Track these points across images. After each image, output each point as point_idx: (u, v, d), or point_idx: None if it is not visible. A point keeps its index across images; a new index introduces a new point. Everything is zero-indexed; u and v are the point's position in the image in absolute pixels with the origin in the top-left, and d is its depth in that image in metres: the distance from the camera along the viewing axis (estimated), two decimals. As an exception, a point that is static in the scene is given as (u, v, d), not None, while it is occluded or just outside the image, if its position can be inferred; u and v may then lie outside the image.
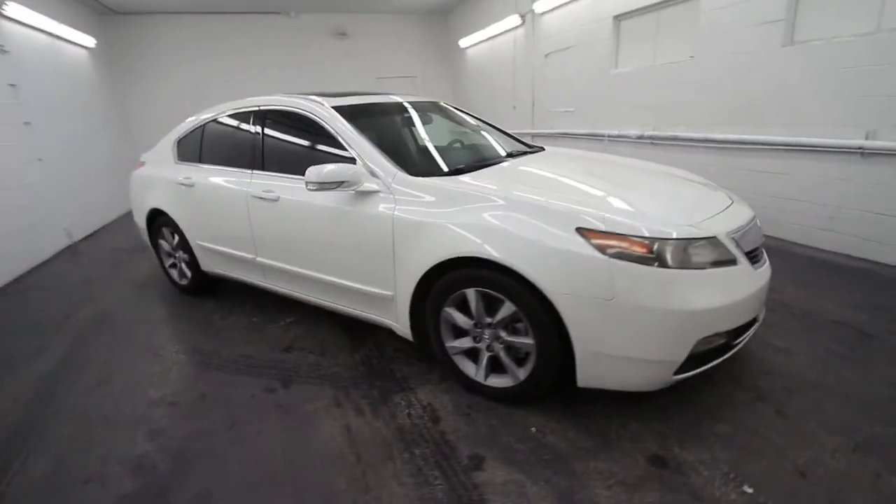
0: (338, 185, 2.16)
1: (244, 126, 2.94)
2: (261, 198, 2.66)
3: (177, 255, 3.55)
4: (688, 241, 1.70)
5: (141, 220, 3.70)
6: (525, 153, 2.80)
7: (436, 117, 3.07)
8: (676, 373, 1.74)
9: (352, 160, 2.32)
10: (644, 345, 1.68)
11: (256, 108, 2.87)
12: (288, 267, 2.68)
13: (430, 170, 2.34)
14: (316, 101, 2.59)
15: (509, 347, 1.96)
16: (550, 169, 2.48)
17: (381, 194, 2.19)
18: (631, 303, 1.64)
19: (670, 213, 1.86)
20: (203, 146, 3.21)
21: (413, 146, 2.76)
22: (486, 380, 2.06)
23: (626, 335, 1.68)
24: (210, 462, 1.84)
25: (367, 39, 9.67)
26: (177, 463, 1.84)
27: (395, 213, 2.12)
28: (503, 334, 1.94)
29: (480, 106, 8.86)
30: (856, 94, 3.32)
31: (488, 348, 2.02)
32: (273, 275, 2.85)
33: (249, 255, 2.89)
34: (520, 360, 1.96)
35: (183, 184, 3.18)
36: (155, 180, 3.50)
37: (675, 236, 1.68)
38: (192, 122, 3.36)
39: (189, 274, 3.49)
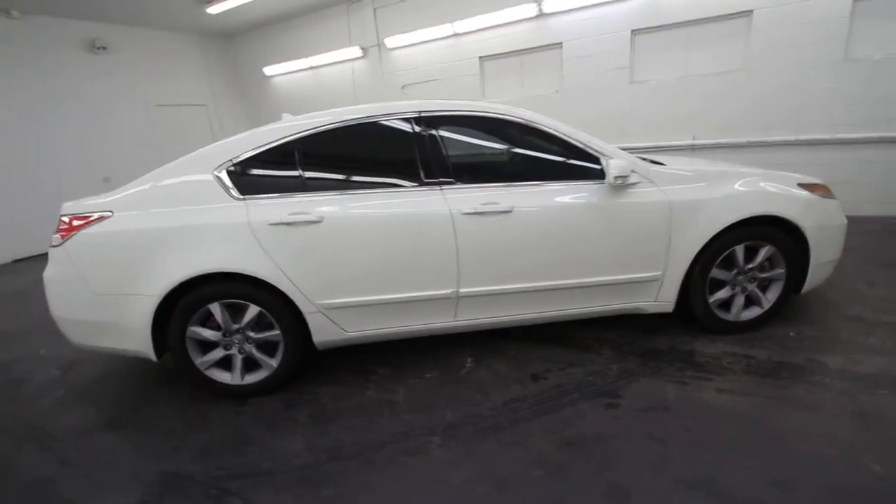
0: (625, 178, 2.28)
1: (398, 137, 2.37)
2: (479, 213, 2.29)
3: (237, 339, 2.35)
4: (825, 184, 2.79)
5: (139, 311, 2.23)
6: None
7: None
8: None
9: (592, 159, 2.40)
10: (835, 250, 2.65)
11: (415, 114, 2.38)
12: (518, 286, 2.40)
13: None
14: (516, 109, 2.46)
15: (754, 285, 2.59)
16: (682, 160, 3.13)
17: (641, 184, 2.41)
18: (833, 223, 2.58)
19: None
20: (306, 170, 2.32)
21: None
22: (740, 317, 2.61)
23: (830, 246, 2.60)
24: (741, 478, 1.70)
25: (138, 58, 7.56)
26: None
27: (669, 197, 2.39)
28: (758, 274, 2.55)
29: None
30: (679, 113, 5.41)
31: (742, 290, 2.58)
32: (474, 307, 2.44)
33: (444, 291, 2.36)
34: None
35: (292, 223, 2.22)
36: (185, 232, 2.22)
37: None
38: (249, 141, 2.34)
39: (273, 361, 2.38)
